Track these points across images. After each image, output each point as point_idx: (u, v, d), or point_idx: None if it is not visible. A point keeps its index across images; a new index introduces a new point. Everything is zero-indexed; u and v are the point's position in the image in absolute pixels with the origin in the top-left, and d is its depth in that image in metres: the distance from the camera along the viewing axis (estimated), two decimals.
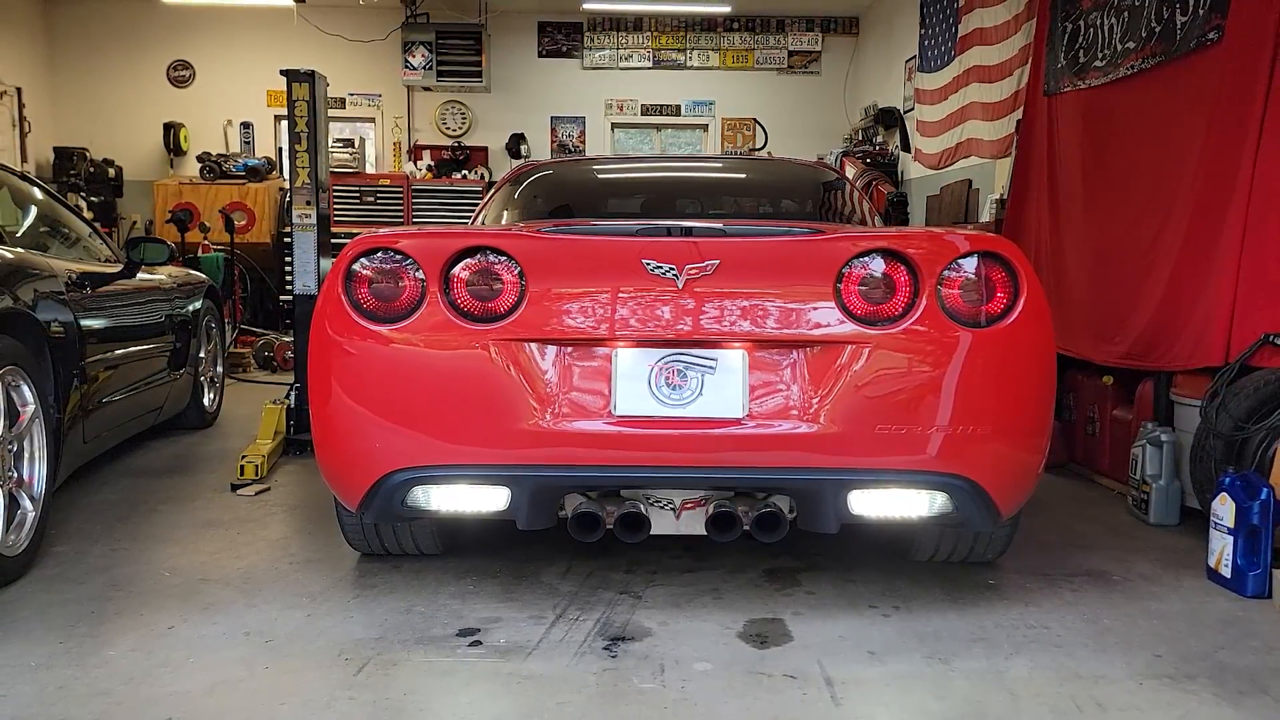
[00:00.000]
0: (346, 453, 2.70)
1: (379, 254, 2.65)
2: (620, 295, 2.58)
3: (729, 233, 2.71)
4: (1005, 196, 6.30)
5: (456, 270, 2.62)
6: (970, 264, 2.62)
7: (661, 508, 2.77)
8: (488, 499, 2.67)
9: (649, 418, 2.59)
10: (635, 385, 2.59)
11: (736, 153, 11.38)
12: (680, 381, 2.59)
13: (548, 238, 2.72)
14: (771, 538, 2.68)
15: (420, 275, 2.61)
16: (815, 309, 2.58)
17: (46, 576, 3.07)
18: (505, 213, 3.94)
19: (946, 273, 2.60)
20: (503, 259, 2.62)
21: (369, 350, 2.61)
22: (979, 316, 2.60)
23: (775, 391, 2.60)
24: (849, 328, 2.57)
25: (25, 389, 3.11)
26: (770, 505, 2.68)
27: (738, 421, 2.58)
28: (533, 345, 2.60)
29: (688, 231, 2.70)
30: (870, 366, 2.56)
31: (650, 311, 2.57)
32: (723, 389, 2.59)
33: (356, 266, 2.65)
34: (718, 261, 2.58)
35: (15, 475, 3.08)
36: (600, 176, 4.51)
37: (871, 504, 2.65)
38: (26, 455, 3.15)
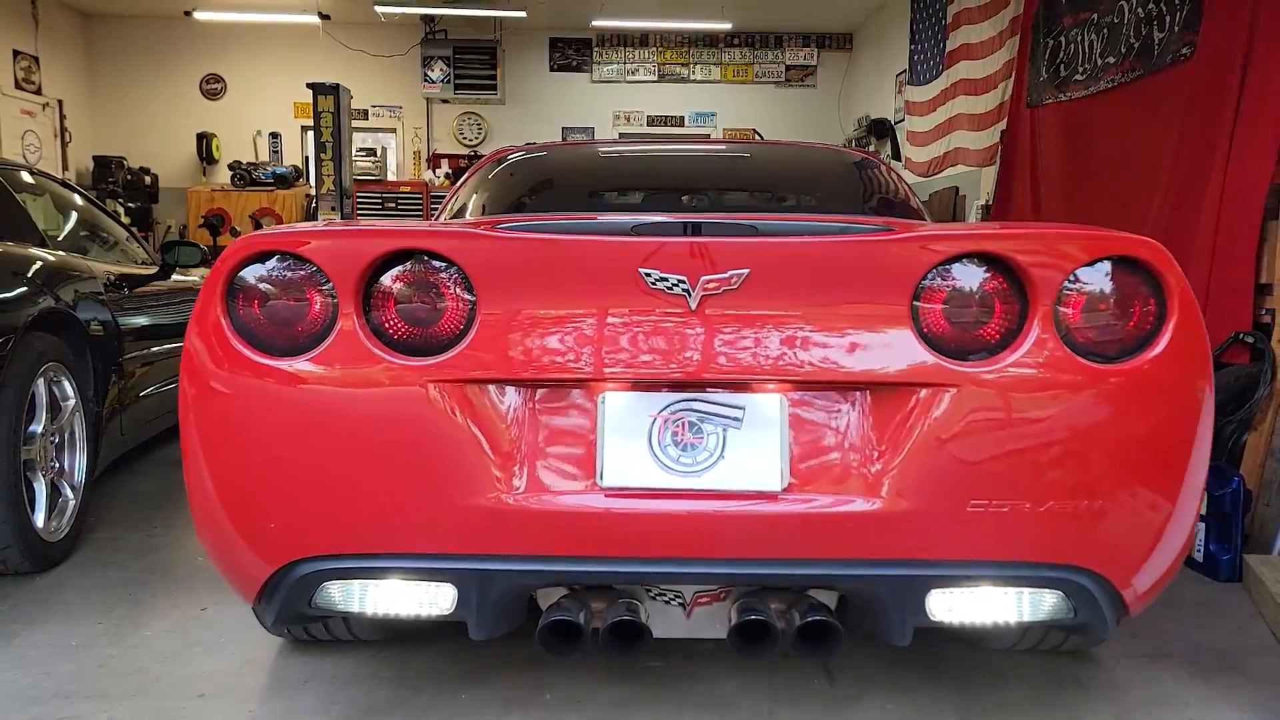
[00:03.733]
0: (233, 533, 1.84)
1: (273, 259, 1.78)
2: (610, 318, 1.74)
3: (762, 230, 1.83)
4: (990, 202, 6.29)
5: (382, 282, 1.77)
6: (1101, 273, 1.77)
7: (666, 602, 1.97)
8: (426, 599, 1.84)
9: (649, 490, 1.74)
10: (630, 444, 1.75)
11: None
12: (693, 439, 1.76)
13: (508, 238, 1.79)
14: (820, 653, 1.81)
15: (329, 289, 1.75)
16: (884, 337, 1.74)
17: (86, 561, 3.07)
18: (471, 206, 2.98)
19: (1068, 286, 1.76)
20: (446, 267, 1.77)
21: (260, 392, 1.76)
22: (1114, 347, 1.77)
23: (827, 453, 1.78)
24: (930, 362, 1.74)
25: (66, 384, 3.12)
26: (819, 611, 1.80)
27: (774, 496, 1.73)
28: (489, 388, 1.76)
29: (700, 229, 1.81)
30: (958, 417, 1.73)
31: (651, 340, 1.74)
32: (753, 449, 1.75)
33: (244, 276, 1.78)
34: (746, 271, 1.72)
35: (57, 465, 3.09)
36: (593, 161, 3.46)
37: (958, 606, 1.83)
38: (67, 446, 3.17)
